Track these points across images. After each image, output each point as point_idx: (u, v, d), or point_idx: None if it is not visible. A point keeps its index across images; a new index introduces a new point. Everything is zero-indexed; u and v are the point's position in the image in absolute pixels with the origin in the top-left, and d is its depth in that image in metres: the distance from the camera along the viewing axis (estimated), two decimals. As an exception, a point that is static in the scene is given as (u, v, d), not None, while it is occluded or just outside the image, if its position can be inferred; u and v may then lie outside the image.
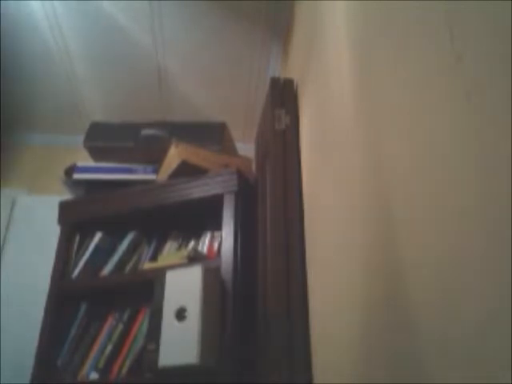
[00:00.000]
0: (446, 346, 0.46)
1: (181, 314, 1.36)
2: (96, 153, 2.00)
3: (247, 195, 1.67)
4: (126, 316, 1.65)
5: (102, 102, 2.30)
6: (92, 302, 1.72)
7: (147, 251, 1.76)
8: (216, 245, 1.65)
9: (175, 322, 1.35)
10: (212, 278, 1.44)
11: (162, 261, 1.64)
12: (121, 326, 1.64)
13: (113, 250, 1.76)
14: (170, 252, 1.71)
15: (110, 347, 1.60)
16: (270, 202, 1.43)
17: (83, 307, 1.71)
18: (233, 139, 2.07)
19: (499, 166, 0.37)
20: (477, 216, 0.41)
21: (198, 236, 1.72)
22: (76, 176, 1.92)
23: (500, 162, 0.37)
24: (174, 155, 1.76)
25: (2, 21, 1.88)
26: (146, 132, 1.98)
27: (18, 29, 1.94)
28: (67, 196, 1.95)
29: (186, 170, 1.72)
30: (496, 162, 0.38)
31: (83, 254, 1.75)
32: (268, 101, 1.63)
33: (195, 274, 1.42)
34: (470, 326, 0.41)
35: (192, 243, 1.71)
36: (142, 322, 1.62)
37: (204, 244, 1.68)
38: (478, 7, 0.42)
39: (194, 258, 1.57)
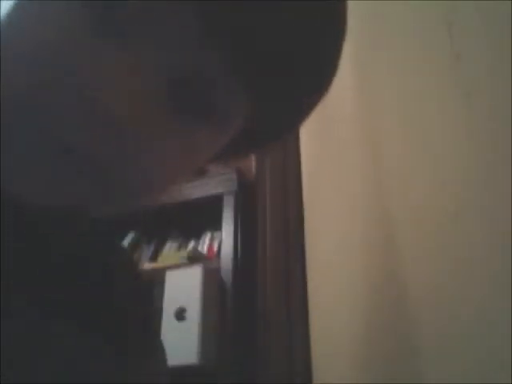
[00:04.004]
0: (447, 346, 0.46)
1: (180, 314, 1.36)
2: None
3: (247, 195, 1.67)
4: (125, 316, 1.65)
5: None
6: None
7: (147, 251, 1.76)
8: (216, 245, 1.65)
9: (175, 322, 1.35)
10: (212, 278, 1.44)
11: (162, 261, 1.64)
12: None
13: (113, 250, 1.75)
14: (170, 252, 1.71)
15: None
16: (270, 202, 1.43)
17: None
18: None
19: (499, 167, 0.37)
20: (476, 216, 0.41)
21: (198, 236, 1.72)
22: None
23: (500, 162, 0.37)
24: (174, 155, 1.75)
25: None
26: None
27: None
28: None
29: (186, 170, 1.72)
30: (496, 162, 0.38)
31: (83, 254, 1.75)
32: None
33: (195, 274, 1.42)
34: (470, 326, 0.41)
35: (192, 243, 1.71)
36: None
37: (204, 244, 1.68)
38: (478, 6, 0.42)
39: (194, 259, 1.57)
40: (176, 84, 0.31)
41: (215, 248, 1.64)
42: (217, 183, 1.65)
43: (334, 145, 0.99)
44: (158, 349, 0.46)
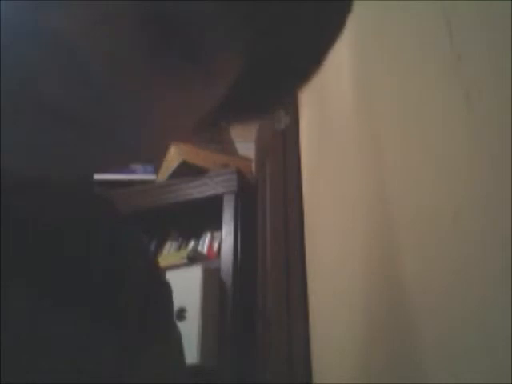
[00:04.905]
0: (447, 346, 0.46)
1: (180, 314, 1.36)
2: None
3: (247, 195, 1.67)
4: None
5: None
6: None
7: (147, 251, 1.76)
8: (216, 245, 1.65)
9: (175, 322, 1.35)
10: (212, 278, 1.44)
11: (162, 261, 1.64)
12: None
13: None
14: (170, 252, 1.71)
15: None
16: (270, 202, 1.43)
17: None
18: (232, 139, 2.07)
19: (499, 167, 0.37)
20: (476, 216, 0.41)
21: (198, 236, 1.72)
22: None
23: (500, 162, 0.37)
24: (174, 155, 1.76)
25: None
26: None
27: None
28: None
29: (186, 170, 1.72)
30: (496, 162, 0.38)
31: (83, 254, 1.75)
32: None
33: (195, 274, 1.42)
34: (470, 327, 0.41)
35: (192, 243, 1.71)
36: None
37: (204, 244, 1.68)
38: (478, 6, 0.42)
39: (194, 259, 1.57)
40: (159, 26, 0.29)
41: (215, 248, 1.64)
42: (217, 183, 1.66)
43: (334, 145, 0.99)
44: (165, 341, 0.46)
